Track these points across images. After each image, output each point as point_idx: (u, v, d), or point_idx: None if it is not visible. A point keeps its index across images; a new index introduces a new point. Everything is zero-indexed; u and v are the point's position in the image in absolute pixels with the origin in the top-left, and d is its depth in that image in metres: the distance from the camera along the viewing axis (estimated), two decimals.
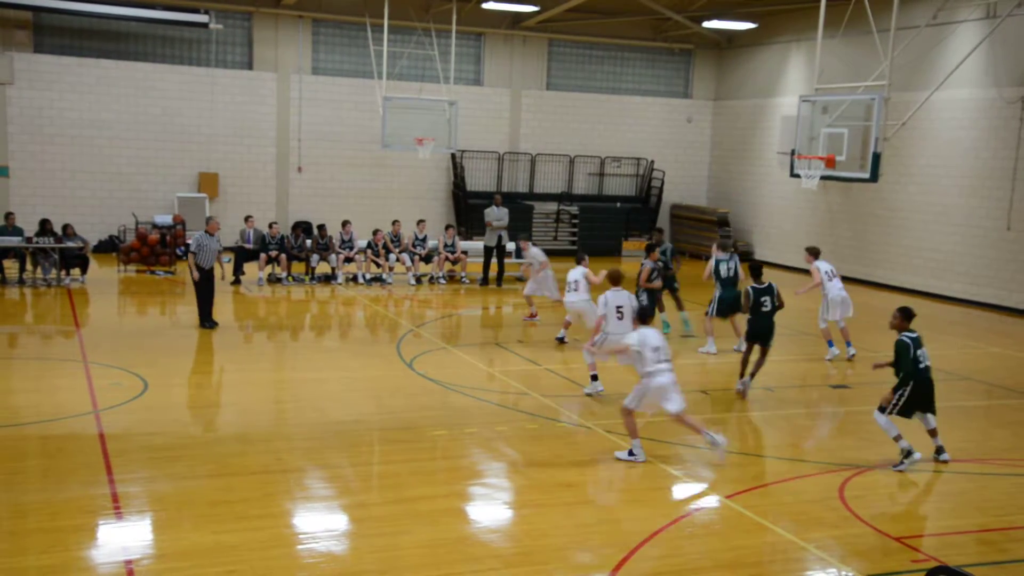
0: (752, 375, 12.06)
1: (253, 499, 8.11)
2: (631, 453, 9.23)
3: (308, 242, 20.96)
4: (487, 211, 21.11)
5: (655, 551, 7.38)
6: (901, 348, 9.29)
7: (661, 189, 28.60)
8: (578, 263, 14.26)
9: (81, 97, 23.50)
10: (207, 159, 24.69)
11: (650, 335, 9.28)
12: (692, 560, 7.31)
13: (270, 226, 20.56)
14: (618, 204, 28.38)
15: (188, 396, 11.71)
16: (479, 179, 27.30)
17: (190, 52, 24.60)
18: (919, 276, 21.63)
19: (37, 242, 18.63)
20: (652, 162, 28.77)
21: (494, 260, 21.08)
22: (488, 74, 27.32)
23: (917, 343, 9.32)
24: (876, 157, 15.67)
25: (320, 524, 7.76)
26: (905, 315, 9.43)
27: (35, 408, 10.56)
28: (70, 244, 18.96)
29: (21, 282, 18.69)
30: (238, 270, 19.92)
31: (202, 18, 23.84)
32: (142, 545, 7.18)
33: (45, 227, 19.01)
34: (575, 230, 27.52)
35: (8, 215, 19.50)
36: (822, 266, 14.52)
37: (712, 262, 14.71)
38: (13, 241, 18.72)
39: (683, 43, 28.61)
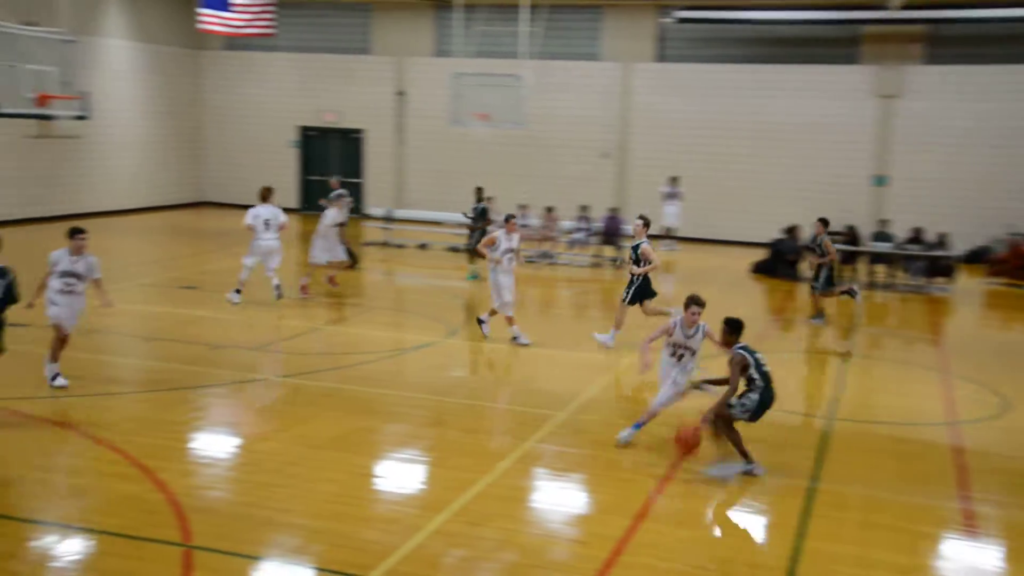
0: None
1: None
2: None
3: None
4: None
5: None
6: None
7: None
8: None
9: (965, 106, 23.13)
10: None
11: None
12: None
13: None
14: None
15: None
16: None
17: None
18: None
19: (906, 248, 19.05)
20: None
21: None
22: None
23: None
24: None
25: None
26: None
27: (890, 409, 10.78)
28: (938, 253, 18.90)
29: (888, 286, 19.31)
30: None
31: None
32: (992, 571, 6.75)
33: (918, 235, 19.31)
34: None
35: (882, 222, 20.35)
36: None
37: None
38: (884, 247, 19.47)
39: None
